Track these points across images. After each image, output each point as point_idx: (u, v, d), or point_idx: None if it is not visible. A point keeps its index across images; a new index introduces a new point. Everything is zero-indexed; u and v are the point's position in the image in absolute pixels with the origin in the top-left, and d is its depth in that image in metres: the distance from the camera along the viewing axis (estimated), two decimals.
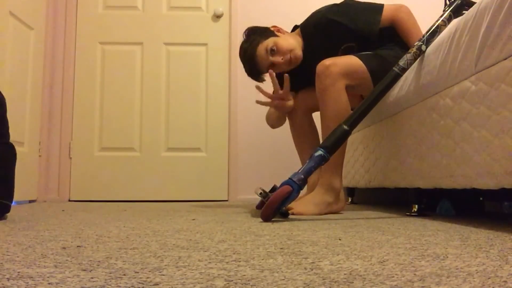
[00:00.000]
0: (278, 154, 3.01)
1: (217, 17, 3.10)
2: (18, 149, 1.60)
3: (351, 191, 2.81)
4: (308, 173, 1.46)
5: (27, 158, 2.67)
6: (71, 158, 2.99)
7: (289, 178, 1.44)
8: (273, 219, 1.45)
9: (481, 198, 2.04)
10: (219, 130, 3.05)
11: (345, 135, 1.55)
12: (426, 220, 1.52)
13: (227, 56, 3.09)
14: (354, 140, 2.58)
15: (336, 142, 1.53)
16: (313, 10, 2.03)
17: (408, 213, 1.77)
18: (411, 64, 1.64)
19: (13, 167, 1.54)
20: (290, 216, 1.59)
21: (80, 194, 2.96)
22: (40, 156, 2.87)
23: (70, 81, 3.02)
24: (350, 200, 2.81)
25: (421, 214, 1.73)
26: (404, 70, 1.64)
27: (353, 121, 1.57)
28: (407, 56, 1.64)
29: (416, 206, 1.77)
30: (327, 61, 1.76)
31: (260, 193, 1.58)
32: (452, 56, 1.47)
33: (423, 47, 1.63)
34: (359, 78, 1.82)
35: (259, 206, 1.96)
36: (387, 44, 1.92)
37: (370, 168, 2.27)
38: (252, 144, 3.05)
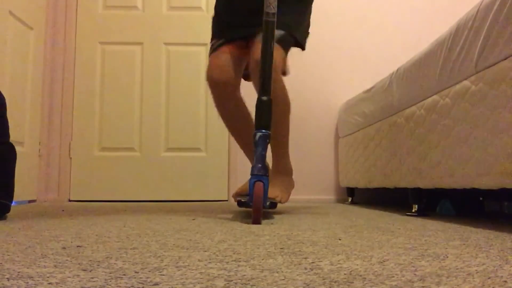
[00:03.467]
0: None
1: None
2: (18, 149, 1.60)
3: (351, 191, 2.81)
4: (263, 159, 1.47)
5: (27, 158, 2.67)
6: (71, 158, 2.99)
7: (253, 174, 1.44)
8: (273, 219, 1.45)
9: (481, 198, 2.04)
10: (219, 130, 3.05)
11: (270, 104, 1.51)
12: (426, 220, 1.52)
13: None
14: (354, 140, 2.58)
15: (267, 116, 1.50)
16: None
17: (408, 213, 1.77)
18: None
19: (13, 167, 1.54)
20: (288, 215, 1.59)
21: (80, 194, 2.96)
22: (40, 156, 2.87)
23: (70, 81, 3.02)
24: (350, 200, 2.81)
25: (421, 214, 1.73)
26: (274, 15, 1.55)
27: (266, 88, 1.51)
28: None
29: (416, 206, 1.77)
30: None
31: (239, 201, 1.65)
32: (453, 56, 1.47)
33: None
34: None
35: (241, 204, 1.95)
36: None
37: (370, 168, 2.27)
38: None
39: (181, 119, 3.05)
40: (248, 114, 1.91)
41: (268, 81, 1.52)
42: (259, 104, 1.50)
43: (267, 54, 1.51)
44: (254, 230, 1.16)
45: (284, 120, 1.80)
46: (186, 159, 3.02)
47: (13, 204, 1.53)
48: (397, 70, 1.97)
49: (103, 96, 3.04)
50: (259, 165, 1.44)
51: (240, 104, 1.91)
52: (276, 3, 1.52)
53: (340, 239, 0.98)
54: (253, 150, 1.49)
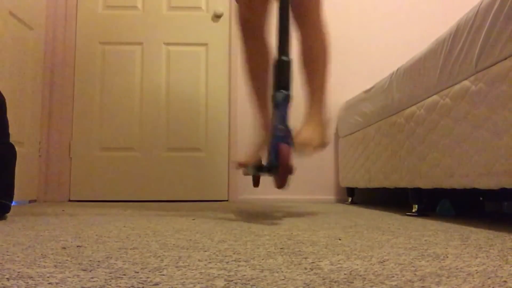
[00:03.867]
0: None
1: (217, 17, 3.10)
2: (18, 149, 1.60)
3: (351, 191, 2.81)
4: (285, 120, 1.41)
5: (27, 158, 2.67)
6: (71, 158, 2.99)
7: (275, 136, 1.38)
8: (272, 219, 1.45)
9: (481, 198, 2.04)
10: (219, 130, 3.05)
11: (289, 65, 1.47)
12: (426, 220, 1.52)
13: (227, 56, 3.09)
14: (354, 140, 2.58)
15: (287, 76, 1.45)
16: None
17: (408, 213, 1.77)
18: None
19: (13, 167, 1.54)
20: (288, 215, 1.59)
21: (80, 194, 2.96)
22: (40, 156, 2.87)
23: (70, 81, 3.02)
24: (350, 200, 2.81)
25: (421, 214, 1.73)
26: None
27: (285, 48, 1.47)
28: None
29: (416, 206, 1.77)
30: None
31: (258, 166, 1.55)
32: (453, 56, 1.47)
33: None
34: None
35: (256, 183, 1.91)
36: None
37: (370, 168, 2.27)
38: (252, 144, 3.04)
39: (181, 119, 3.05)
40: (270, 58, 1.86)
41: (287, 39, 1.45)
42: (279, 64, 1.44)
43: (284, 8, 1.46)
44: (254, 230, 1.16)
45: (323, 68, 1.72)
46: (186, 159, 3.02)
47: (13, 204, 1.53)
48: (397, 70, 1.97)
49: (103, 96, 3.04)
50: (282, 127, 1.38)
51: (267, 45, 1.86)
52: None
53: (340, 239, 0.98)
54: (273, 112, 1.43)
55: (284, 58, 1.44)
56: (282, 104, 1.42)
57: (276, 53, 1.46)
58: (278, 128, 1.38)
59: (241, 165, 1.85)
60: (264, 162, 1.60)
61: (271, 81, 1.78)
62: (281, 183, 1.31)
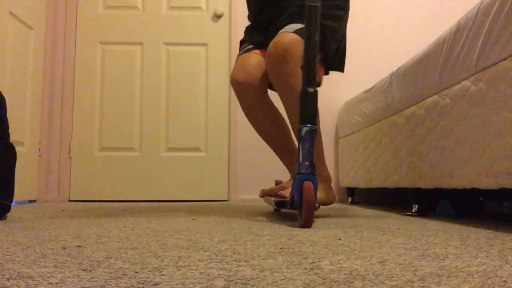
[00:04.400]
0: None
1: (217, 17, 3.10)
2: (18, 149, 1.60)
3: (351, 191, 2.81)
4: (309, 156, 1.34)
5: (27, 158, 2.67)
6: (71, 158, 2.99)
7: (300, 173, 1.31)
8: (272, 219, 1.45)
9: (481, 198, 2.04)
10: (219, 130, 3.05)
11: (315, 96, 1.40)
12: (426, 220, 1.52)
13: (227, 56, 3.09)
14: (354, 140, 2.58)
15: (313, 108, 1.39)
16: None
17: (408, 213, 1.77)
18: None
19: (13, 167, 1.54)
20: (288, 215, 1.59)
21: (80, 194, 2.96)
22: (40, 156, 2.87)
23: (70, 81, 3.02)
24: (350, 200, 2.81)
25: (421, 214, 1.73)
26: None
27: (311, 78, 1.41)
28: None
29: (416, 206, 1.77)
30: (285, 43, 1.57)
31: (279, 202, 1.49)
32: (453, 56, 1.47)
33: None
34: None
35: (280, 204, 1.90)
36: None
37: (370, 168, 2.27)
38: (252, 144, 3.05)
39: (181, 119, 3.05)
40: (280, 118, 1.80)
41: (313, 70, 1.39)
42: (304, 96, 1.38)
43: (311, 40, 1.39)
44: (254, 230, 1.16)
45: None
46: (186, 159, 3.02)
47: (13, 204, 1.53)
48: (397, 70, 1.97)
49: (103, 96, 3.04)
50: (307, 163, 1.31)
51: (269, 108, 1.78)
52: None
53: (340, 239, 0.98)
54: (298, 146, 1.37)
55: (309, 89, 1.39)
56: (307, 139, 1.35)
57: (302, 84, 1.40)
58: (303, 165, 1.31)
59: (263, 195, 1.83)
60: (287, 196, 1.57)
61: (285, 136, 1.77)
62: (305, 223, 1.24)
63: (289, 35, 1.58)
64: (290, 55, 1.55)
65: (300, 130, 1.36)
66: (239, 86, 1.74)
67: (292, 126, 1.68)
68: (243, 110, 1.82)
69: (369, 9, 3.14)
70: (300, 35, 1.56)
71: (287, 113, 1.66)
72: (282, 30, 1.62)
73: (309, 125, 1.35)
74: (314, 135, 1.35)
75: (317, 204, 1.36)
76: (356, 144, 2.54)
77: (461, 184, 1.40)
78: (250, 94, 1.74)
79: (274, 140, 1.83)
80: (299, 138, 1.36)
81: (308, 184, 1.25)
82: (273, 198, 1.58)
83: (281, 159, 1.87)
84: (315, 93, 1.38)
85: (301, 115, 1.38)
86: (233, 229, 1.20)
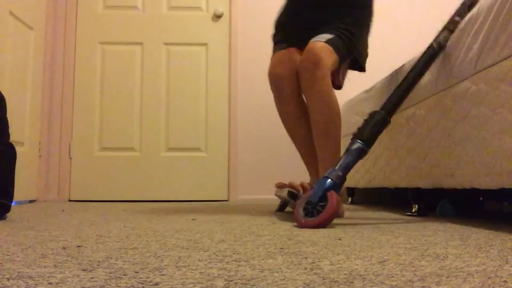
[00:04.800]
0: (278, 154, 3.01)
1: (217, 17, 3.10)
2: (18, 149, 1.60)
3: (351, 191, 2.81)
4: (347, 169, 1.34)
5: (27, 158, 2.67)
6: (71, 158, 2.99)
7: (328, 177, 1.31)
8: (272, 219, 1.45)
9: (481, 198, 2.04)
10: (219, 130, 3.05)
11: (385, 123, 1.42)
12: (426, 220, 1.52)
13: (227, 56, 3.09)
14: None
15: (375, 132, 1.39)
16: None
17: (408, 213, 1.77)
18: (448, 39, 1.52)
19: (13, 167, 1.54)
20: (288, 215, 1.59)
21: (80, 194, 2.96)
22: (40, 156, 2.87)
23: (70, 81, 3.02)
24: (350, 200, 2.81)
25: (421, 214, 1.73)
26: (442, 47, 1.52)
27: (392, 107, 1.45)
28: (444, 33, 1.53)
29: (416, 206, 1.77)
30: (318, 51, 1.66)
31: (290, 193, 1.56)
32: (453, 56, 1.47)
33: (460, 21, 1.51)
34: (334, 63, 1.75)
35: (281, 208, 1.96)
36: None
37: (370, 168, 2.27)
38: (252, 144, 3.05)
39: (181, 119, 3.05)
40: (308, 118, 1.80)
41: (397, 98, 1.47)
42: (372, 115, 1.43)
43: (413, 70, 1.50)
44: (254, 230, 1.16)
45: (326, 138, 1.68)
46: (186, 159, 3.02)
47: (13, 204, 1.53)
48: (397, 70, 1.97)
49: (103, 96, 3.04)
50: (340, 174, 1.32)
51: (301, 106, 1.83)
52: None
53: (340, 239, 0.98)
54: (342, 154, 1.40)
55: (381, 112, 1.43)
56: (353, 154, 1.37)
57: (382, 106, 1.46)
58: (336, 173, 1.32)
59: (279, 185, 1.88)
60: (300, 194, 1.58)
61: (311, 135, 1.78)
62: (317, 225, 1.23)
63: (319, 43, 1.69)
64: (321, 61, 1.64)
65: (352, 143, 1.38)
66: (277, 79, 1.82)
67: (314, 131, 1.72)
68: (277, 103, 1.88)
69: None
70: (330, 45, 1.69)
71: (311, 119, 1.72)
72: (315, 39, 1.73)
73: (363, 144, 1.37)
74: (361, 155, 1.38)
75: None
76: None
77: (461, 184, 1.40)
78: (287, 86, 1.81)
79: (300, 138, 1.87)
80: (347, 149, 1.38)
81: (334, 195, 1.27)
82: (287, 188, 1.61)
83: (302, 158, 1.91)
84: (384, 118, 1.42)
85: (361, 130, 1.41)
86: (233, 229, 1.20)
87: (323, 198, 1.27)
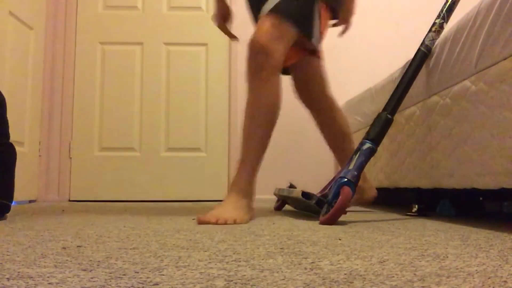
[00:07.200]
0: (278, 154, 3.01)
1: None
2: (18, 149, 1.60)
3: None
4: (360, 168, 1.42)
5: (27, 158, 2.67)
6: (71, 158, 2.99)
7: (342, 177, 1.38)
8: (272, 219, 1.44)
9: (481, 198, 2.04)
10: (219, 130, 3.05)
11: (389, 123, 1.50)
12: (426, 220, 1.52)
13: (227, 56, 3.09)
14: (354, 140, 2.58)
15: (381, 133, 1.48)
16: None
17: (408, 213, 1.77)
18: (434, 42, 1.62)
19: (13, 167, 1.54)
20: (288, 215, 1.59)
21: (80, 194, 2.96)
22: (40, 156, 2.87)
23: (70, 81, 3.02)
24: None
25: (421, 214, 1.73)
26: (430, 49, 1.62)
27: (393, 108, 1.53)
28: (431, 35, 1.62)
29: (416, 206, 1.77)
30: (262, 41, 1.45)
31: (290, 185, 1.63)
32: (453, 56, 1.47)
33: (444, 24, 1.62)
34: (289, 40, 1.53)
35: (279, 207, 2.00)
36: None
37: (370, 168, 2.27)
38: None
39: (181, 119, 3.05)
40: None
41: (399, 98, 1.54)
42: (379, 118, 1.50)
43: (405, 77, 1.55)
44: (254, 230, 1.16)
45: (252, 129, 1.60)
46: (186, 159, 3.02)
47: (13, 204, 1.53)
48: (397, 70, 1.97)
49: (103, 96, 3.04)
50: (355, 173, 1.39)
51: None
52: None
53: (340, 239, 0.98)
54: (353, 155, 1.46)
55: (387, 115, 1.50)
56: (364, 154, 1.45)
57: (386, 107, 1.52)
58: (350, 173, 1.39)
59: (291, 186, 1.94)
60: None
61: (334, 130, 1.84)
62: (328, 220, 1.31)
63: (265, 24, 1.48)
64: (266, 60, 1.45)
65: (362, 144, 1.46)
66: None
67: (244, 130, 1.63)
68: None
69: (370, 9, 3.14)
70: (278, 13, 1.47)
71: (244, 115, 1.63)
72: (263, 11, 1.53)
73: (373, 144, 1.46)
74: (372, 154, 1.46)
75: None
76: (356, 144, 2.54)
77: (461, 184, 1.40)
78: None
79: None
80: (358, 149, 1.46)
81: (347, 189, 1.34)
82: (300, 189, 1.64)
83: (334, 154, 1.96)
84: (390, 120, 1.50)
85: (371, 132, 1.49)
86: (233, 229, 1.20)
87: (337, 195, 1.35)
